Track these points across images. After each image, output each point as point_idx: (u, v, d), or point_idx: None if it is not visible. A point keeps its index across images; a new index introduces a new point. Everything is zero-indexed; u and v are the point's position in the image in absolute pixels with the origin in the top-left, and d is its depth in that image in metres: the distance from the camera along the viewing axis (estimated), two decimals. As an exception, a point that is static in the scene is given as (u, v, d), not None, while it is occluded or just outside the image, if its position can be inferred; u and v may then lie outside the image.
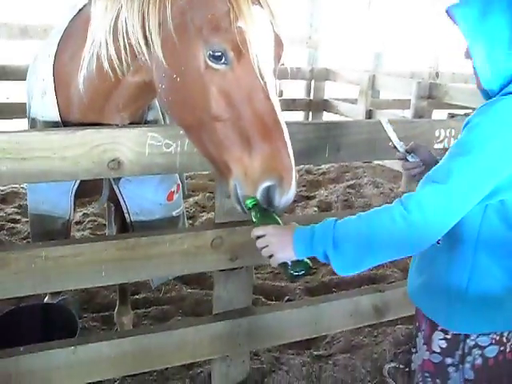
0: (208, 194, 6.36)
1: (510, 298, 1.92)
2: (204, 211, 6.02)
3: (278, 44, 2.03)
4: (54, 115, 2.48)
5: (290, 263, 1.90)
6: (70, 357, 2.42)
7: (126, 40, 2.12)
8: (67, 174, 2.21)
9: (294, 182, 1.89)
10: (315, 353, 3.63)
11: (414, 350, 2.18)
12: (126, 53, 2.15)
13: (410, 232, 1.72)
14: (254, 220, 1.95)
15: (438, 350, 2.00)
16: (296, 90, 9.33)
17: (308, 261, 1.92)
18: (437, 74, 9.80)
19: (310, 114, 9.45)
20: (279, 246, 1.89)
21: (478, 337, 1.92)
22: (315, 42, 9.70)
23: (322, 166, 7.78)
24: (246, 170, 1.90)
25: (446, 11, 1.89)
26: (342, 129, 2.75)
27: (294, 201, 3.32)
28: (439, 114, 8.78)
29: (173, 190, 2.91)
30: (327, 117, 9.51)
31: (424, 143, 3.02)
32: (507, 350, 1.95)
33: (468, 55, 1.87)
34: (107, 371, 2.56)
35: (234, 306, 2.79)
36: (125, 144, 2.24)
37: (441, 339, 1.99)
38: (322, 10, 10.43)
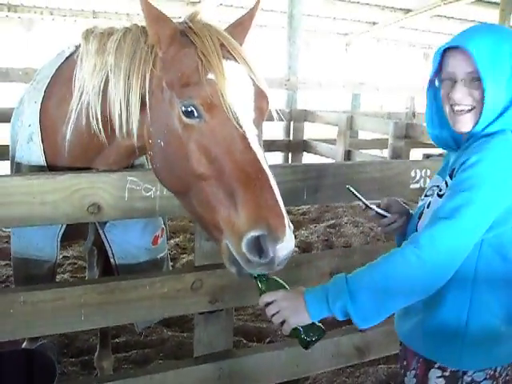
0: (189, 236, 6.37)
1: (508, 333, 1.95)
2: (185, 253, 6.01)
3: (261, 97, 2.03)
4: (40, 161, 2.49)
5: (301, 329, 1.86)
6: (49, 404, 2.39)
7: (113, 110, 2.16)
8: (47, 219, 2.22)
9: (287, 230, 1.77)
10: (297, 395, 3.61)
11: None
12: (115, 121, 2.18)
13: (425, 269, 1.74)
14: (260, 287, 1.91)
15: None
16: (275, 131, 9.44)
17: (320, 324, 1.88)
18: (413, 114, 9.98)
19: (290, 154, 9.54)
20: (292, 310, 1.84)
21: (474, 372, 1.93)
22: (294, 84, 9.86)
23: (302, 206, 7.83)
24: (233, 225, 1.81)
25: (457, 46, 1.89)
26: (319, 171, 2.79)
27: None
28: (416, 153, 8.92)
29: (157, 234, 2.91)
30: (307, 157, 9.61)
31: (400, 184, 3.09)
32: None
33: (446, 97, 1.93)
34: (86, 418, 2.52)
35: (215, 349, 2.77)
36: (104, 188, 2.26)
37: (438, 377, 1.97)
38: (300, 52, 10.65)
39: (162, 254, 2.97)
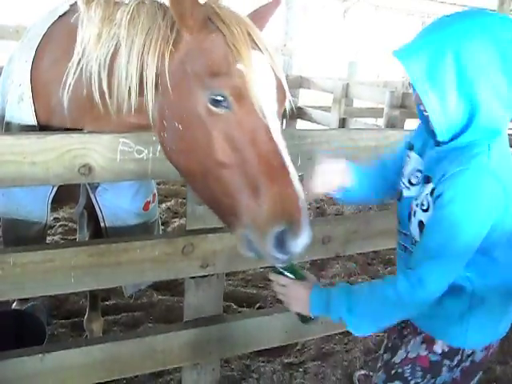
0: (180, 200, 6.35)
1: (507, 310, 2.09)
2: (176, 217, 6.00)
3: (281, 90, 2.01)
4: (31, 120, 2.44)
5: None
6: (38, 365, 2.38)
7: (122, 85, 2.09)
8: (37, 179, 2.18)
9: (306, 224, 1.80)
10: (286, 360, 3.64)
11: (399, 343, 2.23)
12: (122, 96, 2.12)
13: (417, 305, 1.87)
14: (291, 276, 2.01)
15: (439, 352, 2.07)
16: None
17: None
18: (410, 84, 9.90)
19: (284, 121, 9.48)
20: (296, 302, 2.01)
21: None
22: (290, 50, 9.76)
23: (296, 173, 7.81)
24: (254, 217, 1.82)
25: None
26: (314, 138, 2.76)
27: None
28: (411, 123, 8.88)
29: (149, 199, 2.89)
30: (301, 124, 9.56)
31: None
32: (489, 353, 2.09)
33: (418, 100, 1.87)
34: (75, 379, 2.51)
35: (205, 313, 2.77)
36: (96, 149, 2.21)
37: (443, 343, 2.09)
38: (298, 17, 10.52)
39: (152, 220, 2.96)
